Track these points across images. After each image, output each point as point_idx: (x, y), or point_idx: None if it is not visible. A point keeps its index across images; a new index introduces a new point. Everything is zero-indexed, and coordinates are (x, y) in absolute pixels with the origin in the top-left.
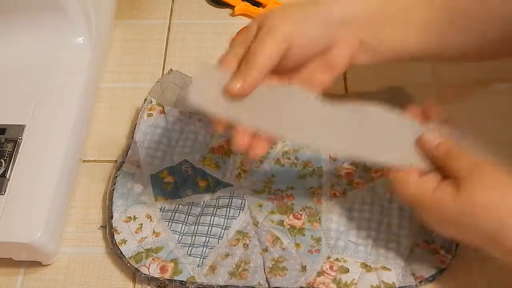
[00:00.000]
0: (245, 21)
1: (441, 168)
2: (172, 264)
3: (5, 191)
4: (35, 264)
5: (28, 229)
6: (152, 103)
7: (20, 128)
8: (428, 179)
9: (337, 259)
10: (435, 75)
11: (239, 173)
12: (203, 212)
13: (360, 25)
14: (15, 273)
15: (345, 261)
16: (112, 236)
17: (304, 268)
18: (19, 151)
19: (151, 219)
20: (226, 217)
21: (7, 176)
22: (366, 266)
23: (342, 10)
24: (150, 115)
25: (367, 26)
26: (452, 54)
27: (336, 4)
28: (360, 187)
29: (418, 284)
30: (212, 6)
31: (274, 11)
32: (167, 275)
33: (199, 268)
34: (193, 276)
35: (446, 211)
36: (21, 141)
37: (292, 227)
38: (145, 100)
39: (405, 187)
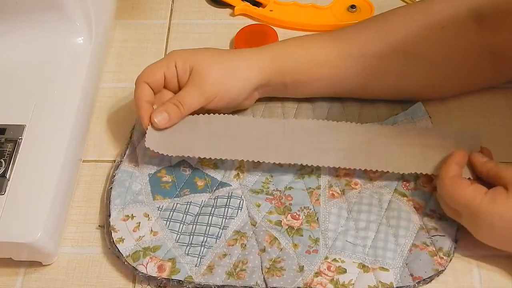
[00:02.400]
0: (245, 21)
1: (491, 177)
2: (169, 263)
3: (5, 191)
4: (35, 264)
5: (28, 229)
6: None
7: (20, 128)
8: (478, 184)
9: (334, 260)
10: None
11: (238, 173)
12: (201, 212)
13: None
14: (15, 273)
15: (342, 261)
16: (110, 234)
17: (301, 269)
18: (19, 151)
19: (149, 218)
20: (224, 216)
21: (7, 176)
22: (364, 267)
23: (260, 72)
24: None
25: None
26: (376, 92)
27: (256, 62)
28: (358, 187)
29: (416, 284)
30: (212, 6)
31: (206, 61)
32: (164, 274)
33: (196, 267)
34: (191, 276)
35: (498, 210)
36: (21, 141)
37: (290, 227)
38: None
39: (460, 188)
